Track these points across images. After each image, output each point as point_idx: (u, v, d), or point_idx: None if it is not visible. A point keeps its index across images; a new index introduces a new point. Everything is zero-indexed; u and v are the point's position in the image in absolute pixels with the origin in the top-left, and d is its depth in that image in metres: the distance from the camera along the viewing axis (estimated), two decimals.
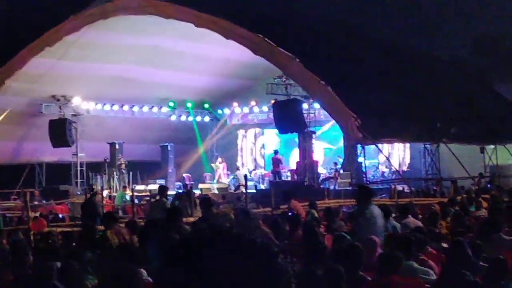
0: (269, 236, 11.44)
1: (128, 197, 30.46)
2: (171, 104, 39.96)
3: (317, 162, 34.54)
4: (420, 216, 14.89)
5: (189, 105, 40.79)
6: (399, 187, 27.05)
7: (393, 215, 14.10)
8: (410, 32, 42.41)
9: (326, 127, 37.59)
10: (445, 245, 10.94)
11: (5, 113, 32.45)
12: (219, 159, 40.29)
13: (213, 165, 40.53)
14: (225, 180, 38.69)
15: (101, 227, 13.06)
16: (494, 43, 45.85)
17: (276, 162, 35.75)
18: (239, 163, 41.14)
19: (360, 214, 11.20)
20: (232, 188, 35.90)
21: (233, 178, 38.07)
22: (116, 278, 6.93)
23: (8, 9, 37.81)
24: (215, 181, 38.68)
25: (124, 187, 34.16)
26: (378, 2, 46.11)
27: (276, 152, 36.24)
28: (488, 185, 30.13)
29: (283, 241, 11.54)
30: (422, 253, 9.85)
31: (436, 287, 8.19)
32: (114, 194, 34.21)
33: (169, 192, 34.84)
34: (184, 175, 40.23)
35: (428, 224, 12.87)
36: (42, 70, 31.36)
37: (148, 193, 32.35)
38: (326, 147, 38.85)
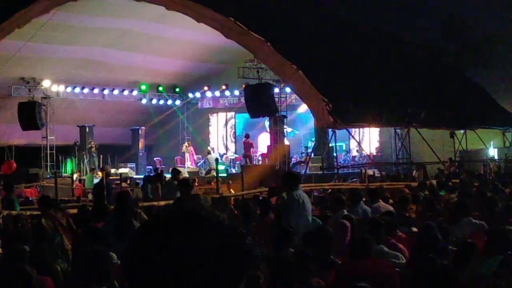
0: (238, 219, 11.51)
1: (96, 180, 30.34)
2: (143, 87, 39.79)
3: (288, 146, 34.59)
4: (390, 201, 14.93)
5: (160, 88, 40.66)
6: (370, 172, 27.21)
7: (364, 199, 14.14)
8: (382, 16, 42.47)
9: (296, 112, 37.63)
10: (415, 229, 11.00)
11: None
12: (186, 143, 40.12)
13: (183, 149, 40.28)
14: (191, 164, 38.57)
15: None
16: (464, 27, 46.03)
17: (247, 146, 35.75)
18: (210, 147, 41.08)
19: (290, 199, 11.20)
20: (203, 172, 35.86)
21: (204, 162, 38.02)
22: (87, 260, 6.90)
23: None
24: (186, 165, 38.57)
25: (92, 170, 34.02)
26: None
27: (247, 136, 36.24)
28: (457, 170, 30.39)
29: (252, 223, 11.58)
30: (392, 237, 9.89)
31: (406, 271, 8.23)
32: (84, 177, 34.07)
33: (139, 176, 35.09)
34: (155, 158, 40.17)
35: (399, 208, 12.92)
36: (11, 52, 31.04)
37: (118, 177, 32.22)
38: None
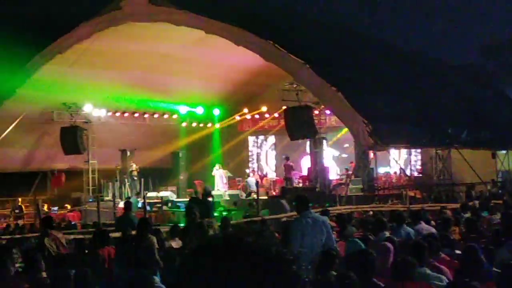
0: (283, 244, 11.43)
1: (140, 204, 30.53)
2: (183, 111, 39.91)
3: (328, 168, 34.48)
4: (432, 223, 14.81)
5: (200, 111, 40.70)
6: (411, 193, 27.00)
7: (406, 221, 14.04)
8: (420, 37, 42.36)
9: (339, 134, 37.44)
10: (458, 251, 10.89)
11: (17, 121, 32.51)
12: (217, 166, 39.77)
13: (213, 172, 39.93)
14: (222, 188, 38.39)
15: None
16: (502, 47, 45.75)
17: (288, 168, 35.71)
18: (250, 170, 41.05)
19: (299, 222, 11.06)
20: (244, 195, 35.83)
21: (244, 185, 37.97)
22: (130, 285, 6.94)
23: (18, 17, 37.94)
24: (216, 187, 38.40)
25: (137, 194, 34.28)
26: (389, 9, 46.10)
27: (287, 158, 36.18)
28: (500, 191, 30.05)
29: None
30: (434, 259, 9.81)
31: None
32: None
33: (180, 199, 35.21)
34: (195, 181, 40.22)
35: (441, 230, 12.81)
36: (53, 78, 31.42)
37: (159, 200, 32.38)
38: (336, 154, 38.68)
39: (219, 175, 39.02)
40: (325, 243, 10.53)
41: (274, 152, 42.68)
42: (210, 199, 21.73)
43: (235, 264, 2.01)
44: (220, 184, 38.61)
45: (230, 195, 35.41)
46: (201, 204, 19.20)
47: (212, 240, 2.12)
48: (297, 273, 2.09)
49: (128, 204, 18.69)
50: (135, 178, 37.71)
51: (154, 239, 11.87)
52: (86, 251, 12.83)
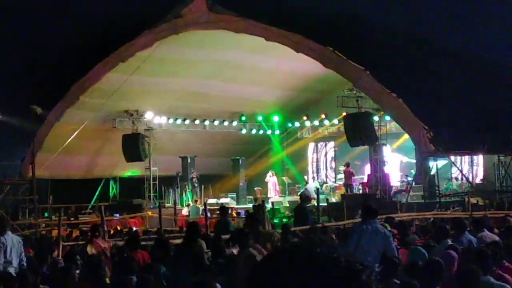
0: (349, 253, 11.34)
1: (201, 210, 30.71)
2: (243, 118, 40.02)
3: (388, 174, 34.21)
4: (495, 230, 14.60)
5: (260, 118, 40.81)
6: (473, 200, 26.63)
7: (468, 228, 13.87)
8: (483, 42, 41.80)
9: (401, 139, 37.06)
10: None
11: (80, 128, 32.96)
12: (270, 172, 39.83)
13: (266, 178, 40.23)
14: (274, 194, 38.45)
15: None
16: None
17: (348, 174, 35.54)
18: (309, 176, 40.96)
19: (359, 227, 11.16)
20: None
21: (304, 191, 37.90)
22: None
23: (81, 25, 38.51)
24: (269, 194, 38.48)
25: (196, 201, 34.48)
26: (448, 13, 45.63)
27: (348, 164, 35.99)
28: None
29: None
30: (498, 267, 9.68)
31: None
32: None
33: (241, 206, 35.30)
34: (256, 188, 40.30)
35: (504, 238, 12.62)
36: (115, 86, 31.81)
37: (219, 207, 32.47)
38: (403, 159, 38.22)
39: (273, 182, 39.03)
40: (384, 253, 10.48)
41: (333, 159, 42.45)
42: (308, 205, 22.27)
43: (307, 274, 2.02)
44: (273, 191, 38.62)
45: (289, 202, 35.37)
46: (299, 210, 20.08)
47: (283, 250, 2.13)
48: (368, 283, 2.09)
49: (224, 209, 19.28)
50: (196, 184, 37.94)
51: (204, 244, 11.95)
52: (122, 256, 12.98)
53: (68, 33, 38.27)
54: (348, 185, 35.36)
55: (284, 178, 40.66)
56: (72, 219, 31.50)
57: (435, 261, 8.70)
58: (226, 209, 19.70)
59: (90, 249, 13.15)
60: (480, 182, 36.71)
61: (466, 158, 36.34)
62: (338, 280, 2.03)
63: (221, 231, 15.76)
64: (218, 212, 30.67)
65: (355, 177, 36.38)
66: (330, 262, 2.05)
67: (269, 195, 38.26)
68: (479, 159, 37.03)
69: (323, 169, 42.89)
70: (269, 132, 42.26)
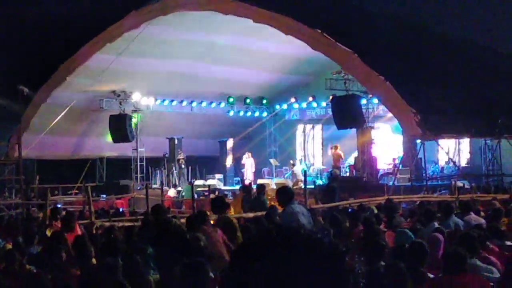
0: (331, 235, 11.42)
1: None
2: (230, 99, 39.94)
3: (375, 157, 34.27)
4: (482, 213, 14.66)
5: (247, 100, 40.76)
6: (459, 183, 26.71)
7: (455, 211, 13.93)
8: (472, 26, 41.81)
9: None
10: (509, 243, 10.79)
11: (66, 109, 32.87)
12: (246, 154, 39.56)
13: (244, 159, 39.90)
14: (251, 176, 38.26)
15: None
16: None
17: (337, 157, 35.57)
18: (296, 160, 40.95)
19: (284, 213, 10.88)
20: (290, 183, 35.75)
21: (291, 174, 37.92)
22: (187, 270, 6.97)
23: (68, 5, 38.33)
24: (246, 176, 38.47)
25: (190, 182, 34.47)
26: None
27: (336, 147, 36.01)
28: None
29: (343, 237, 11.51)
30: (483, 250, 9.72)
31: (500, 285, 8.09)
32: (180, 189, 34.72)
33: (227, 188, 35.36)
34: (242, 170, 40.29)
35: (491, 221, 12.68)
36: (103, 66, 31.68)
37: (207, 188, 32.48)
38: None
39: (249, 163, 38.91)
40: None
41: (321, 141, 42.46)
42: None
43: (291, 257, 2.01)
44: (250, 173, 38.48)
45: (277, 184, 35.38)
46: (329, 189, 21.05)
47: (266, 232, 2.12)
48: (351, 265, 2.09)
49: (261, 187, 20.00)
50: (183, 166, 37.92)
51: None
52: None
53: (55, 13, 38.06)
54: (336, 167, 35.38)
55: (271, 160, 40.63)
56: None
57: (419, 243, 8.72)
58: (263, 187, 20.38)
59: (49, 233, 13.08)
60: (467, 165, 36.84)
61: (453, 142, 36.43)
62: (322, 260, 2.02)
63: (259, 209, 16.57)
64: (205, 193, 30.90)
65: (344, 159, 36.43)
66: (313, 243, 2.04)
67: (245, 177, 38.26)
68: (466, 142, 37.15)
69: (311, 151, 42.89)
70: (256, 114, 42.16)
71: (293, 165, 37.65)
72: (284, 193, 11.10)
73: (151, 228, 12.07)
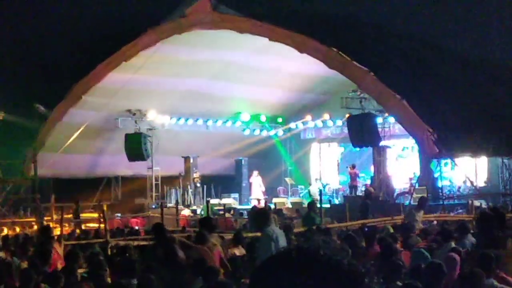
0: (350, 256, 11.30)
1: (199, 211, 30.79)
2: (246, 118, 39.88)
3: (391, 176, 34.17)
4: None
5: (263, 119, 40.64)
6: (477, 203, 26.56)
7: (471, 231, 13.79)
8: (487, 43, 41.70)
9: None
10: None
11: (82, 127, 32.96)
12: (255, 172, 39.19)
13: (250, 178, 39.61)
14: (260, 195, 38.00)
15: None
16: None
17: (354, 176, 35.53)
18: (312, 178, 40.86)
19: (261, 236, 10.72)
20: (306, 202, 35.64)
21: (307, 192, 37.85)
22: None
23: (84, 24, 38.55)
24: (253, 196, 38.29)
25: (208, 201, 34.40)
26: (453, 15, 45.54)
27: (353, 166, 35.97)
28: None
29: (360, 257, 11.40)
30: (501, 270, 9.60)
31: None
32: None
33: (243, 207, 35.27)
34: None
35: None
36: (118, 85, 31.80)
37: (222, 207, 32.46)
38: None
39: (257, 182, 38.74)
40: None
41: (337, 160, 42.37)
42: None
43: (310, 277, 1.97)
44: (258, 192, 38.27)
45: (292, 203, 35.34)
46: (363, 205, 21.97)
47: (286, 252, 2.08)
48: (369, 286, 2.06)
49: (311, 204, 21.04)
50: (198, 185, 37.90)
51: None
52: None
53: (71, 32, 38.27)
54: (353, 186, 35.34)
55: (287, 179, 40.58)
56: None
57: (437, 263, 8.64)
58: (315, 204, 21.44)
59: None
60: (484, 185, 36.64)
61: (470, 161, 36.25)
62: (341, 283, 1.98)
63: (310, 225, 17.37)
64: (220, 212, 30.84)
65: (360, 178, 36.38)
66: (333, 265, 2.01)
67: (252, 196, 38.11)
68: (483, 161, 36.96)
69: (327, 170, 42.80)
70: (272, 132, 42.10)
71: (310, 184, 37.61)
72: (260, 215, 11.16)
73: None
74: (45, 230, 14.29)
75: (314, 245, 2.09)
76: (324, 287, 1.96)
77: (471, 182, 34.18)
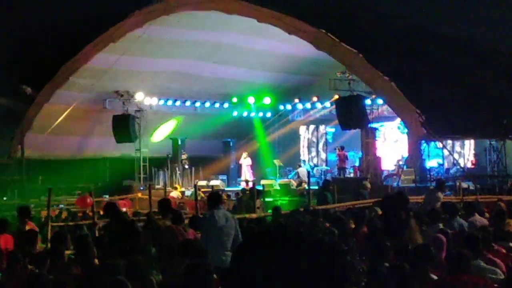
0: (337, 236, 11.36)
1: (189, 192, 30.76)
2: (234, 100, 39.82)
3: (380, 158, 34.24)
4: (486, 215, 14.57)
5: (251, 100, 40.55)
6: (464, 185, 26.65)
7: (459, 213, 13.84)
8: (475, 25, 41.69)
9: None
10: None
11: (69, 109, 32.85)
12: (244, 154, 39.27)
13: (241, 160, 39.54)
14: (249, 177, 38.06)
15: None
16: None
17: (342, 157, 35.61)
18: (301, 160, 40.92)
19: (204, 218, 11.54)
20: (294, 184, 35.73)
21: (295, 174, 37.89)
22: (192, 272, 6.90)
23: (72, 5, 38.31)
24: (243, 177, 38.33)
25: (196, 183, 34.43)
26: None
27: (342, 147, 36.05)
28: None
29: (347, 238, 11.42)
30: (488, 251, 9.65)
31: (504, 287, 8.01)
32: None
33: (231, 189, 35.27)
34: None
35: (495, 222, 12.59)
36: (106, 66, 31.69)
37: (209, 189, 32.46)
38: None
39: (246, 164, 38.73)
40: (234, 240, 10.76)
41: (325, 142, 42.46)
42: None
43: (291, 255, 1.97)
44: (248, 174, 38.32)
45: (280, 185, 35.39)
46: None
47: (268, 231, 2.07)
48: (352, 263, 2.05)
49: (326, 183, 22.71)
50: (186, 167, 37.86)
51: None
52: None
53: (58, 13, 38.01)
54: (341, 168, 35.43)
55: (275, 160, 40.58)
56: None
57: (424, 245, 8.65)
58: (329, 183, 23.02)
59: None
60: (472, 166, 36.79)
61: (457, 143, 36.42)
62: (323, 257, 1.97)
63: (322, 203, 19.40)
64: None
65: (348, 160, 36.45)
66: (314, 241, 2.00)
67: (242, 178, 38.15)
68: (470, 143, 37.12)
69: (314, 152, 42.89)
70: (260, 114, 42.06)
71: (299, 166, 37.65)
72: (210, 198, 11.78)
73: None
74: (23, 211, 14.23)
75: (295, 223, 2.07)
76: (306, 260, 1.96)
77: (459, 164, 34.34)
